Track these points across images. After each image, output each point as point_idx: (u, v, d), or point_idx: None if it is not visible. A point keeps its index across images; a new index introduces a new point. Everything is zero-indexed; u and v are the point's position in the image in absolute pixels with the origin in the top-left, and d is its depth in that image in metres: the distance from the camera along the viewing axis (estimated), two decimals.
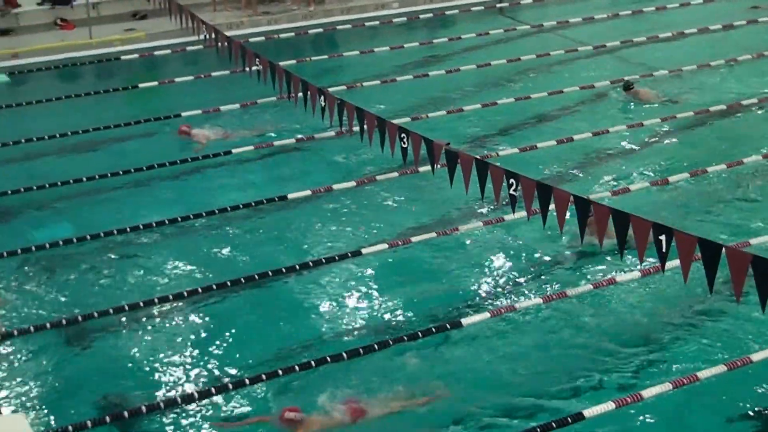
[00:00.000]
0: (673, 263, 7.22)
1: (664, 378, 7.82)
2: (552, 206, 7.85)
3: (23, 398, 7.97)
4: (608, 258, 9.42)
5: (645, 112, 13.77)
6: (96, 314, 8.88)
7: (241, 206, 10.91)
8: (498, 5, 19.87)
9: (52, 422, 7.58)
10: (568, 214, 7.76)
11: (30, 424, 6.36)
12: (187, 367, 8.39)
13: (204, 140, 12.87)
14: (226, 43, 13.37)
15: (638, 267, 8.98)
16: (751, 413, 7.69)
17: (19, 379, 8.20)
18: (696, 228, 9.96)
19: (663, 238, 6.89)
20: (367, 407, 7.71)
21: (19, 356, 8.48)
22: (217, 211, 10.80)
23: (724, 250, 6.59)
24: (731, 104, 13.91)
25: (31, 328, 8.68)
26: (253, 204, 10.98)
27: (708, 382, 7.74)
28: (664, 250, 6.88)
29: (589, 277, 9.45)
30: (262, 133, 13.19)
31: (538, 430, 7.17)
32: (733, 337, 8.61)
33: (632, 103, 14.20)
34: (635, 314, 9.01)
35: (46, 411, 7.80)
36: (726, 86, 14.82)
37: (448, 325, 8.60)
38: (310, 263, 9.75)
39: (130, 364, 8.43)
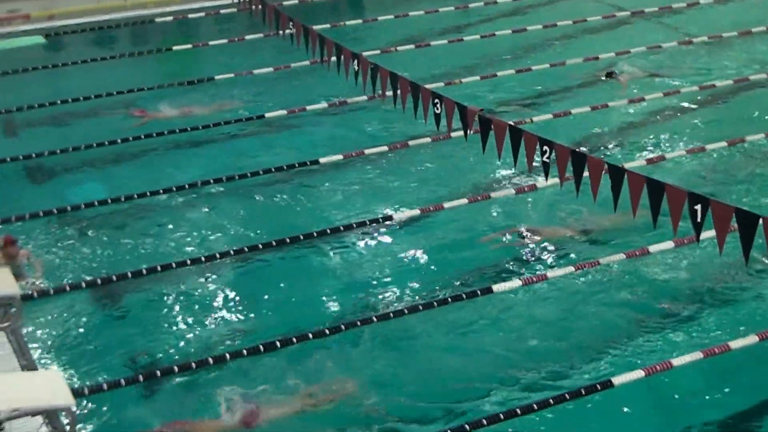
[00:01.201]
0: (708, 234, 7.15)
1: (695, 347, 7.78)
2: (586, 174, 7.79)
3: (59, 356, 8.10)
4: (642, 227, 9.34)
5: (683, 80, 13.57)
6: (130, 274, 8.99)
7: (273, 169, 10.94)
8: None
9: (87, 379, 7.70)
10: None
11: (65, 381, 6.45)
12: (218, 327, 8.47)
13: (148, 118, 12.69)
14: (260, 6, 13.32)
15: (672, 237, 8.91)
16: None
17: (55, 337, 8.33)
18: (732, 197, 9.86)
19: (698, 208, 6.81)
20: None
21: (54, 315, 8.60)
22: (249, 174, 10.84)
23: (761, 220, 6.51)
24: None
25: (67, 287, 8.81)
26: (285, 167, 11.00)
27: (740, 352, 7.69)
28: (699, 220, 6.80)
29: (621, 246, 9.38)
30: (294, 98, 13.17)
31: (567, 396, 7.19)
32: (766, 307, 8.54)
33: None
34: (667, 284, 8.96)
35: (80, 368, 7.93)
36: (766, 54, 14.55)
37: (479, 291, 8.61)
38: (341, 227, 9.77)
39: (162, 324, 8.53)
